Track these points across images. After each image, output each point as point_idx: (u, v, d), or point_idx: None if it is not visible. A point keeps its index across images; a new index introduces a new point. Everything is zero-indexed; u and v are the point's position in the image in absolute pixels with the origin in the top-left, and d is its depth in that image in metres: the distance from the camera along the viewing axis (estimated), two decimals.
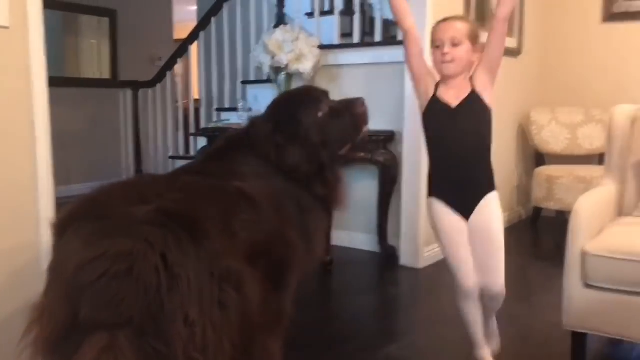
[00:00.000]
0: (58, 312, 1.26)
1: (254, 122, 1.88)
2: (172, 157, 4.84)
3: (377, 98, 3.53)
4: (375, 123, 3.52)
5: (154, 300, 1.26)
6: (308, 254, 1.79)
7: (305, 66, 3.44)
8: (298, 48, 3.42)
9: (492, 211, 1.97)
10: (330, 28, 3.89)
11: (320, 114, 1.80)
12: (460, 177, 1.96)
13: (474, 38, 1.90)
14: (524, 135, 4.54)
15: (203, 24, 4.57)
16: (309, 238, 1.77)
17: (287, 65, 3.42)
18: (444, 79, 1.95)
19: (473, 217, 1.96)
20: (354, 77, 3.64)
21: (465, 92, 1.92)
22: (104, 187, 1.44)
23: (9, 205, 1.60)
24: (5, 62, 1.56)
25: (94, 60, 6.11)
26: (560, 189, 4.00)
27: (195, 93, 5.37)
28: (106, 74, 6.13)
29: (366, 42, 3.83)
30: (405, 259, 3.36)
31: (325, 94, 1.91)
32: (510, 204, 4.42)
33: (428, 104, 1.96)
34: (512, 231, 4.26)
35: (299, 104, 1.82)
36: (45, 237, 1.60)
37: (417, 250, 3.31)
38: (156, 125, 4.97)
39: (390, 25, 4.30)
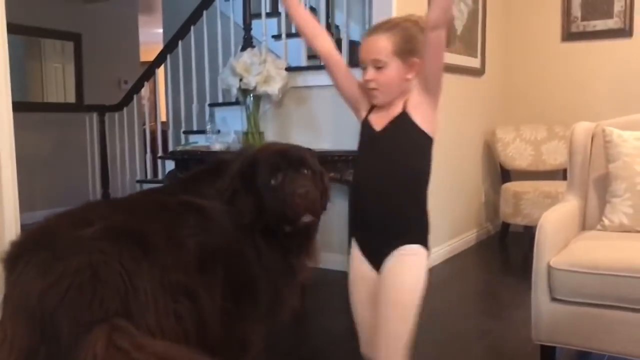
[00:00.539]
0: (21, 339, 1.26)
1: (239, 152, 1.88)
2: (139, 181, 4.79)
3: (345, 118, 3.53)
4: (344, 143, 3.57)
5: (124, 303, 1.29)
6: (275, 296, 1.76)
7: (273, 88, 3.46)
8: (266, 70, 3.44)
9: (405, 269, 1.53)
10: (298, 50, 3.93)
11: (272, 182, 1.70)
12: (376, 217, 1.56)
13: (406, 52, 1.52)
14: (489, 152, 4.63)
15: (170, 47, 4.56)
16: (270, 277, 1.73)
17: (255, 87, 3.43)
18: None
19: (383, 269, 1.56)
20: (323, 97, 3.67)
21: (394, 114, 1.56)
22: (49, 218, 1.46)
23: None
24: None
25: (58, 85, 6.03)
26: (527, 205, 4.08)
27: (162, 116, 5.34)
28: (71, 98, 6.05)
29: None
30: None
31: (295, 162, 1.74)
32: (478, 220, 4.49)
33: (360, 128, 1.64)
34: (481, 247, 4.32)
35: (262, 163, 1.74)
36: None
37: None
38: (123, 149, 4.92)
39: (356, 46, 4.37)
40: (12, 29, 1.94)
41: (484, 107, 4.51)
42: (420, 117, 1.54)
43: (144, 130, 5.11)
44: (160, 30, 6.34)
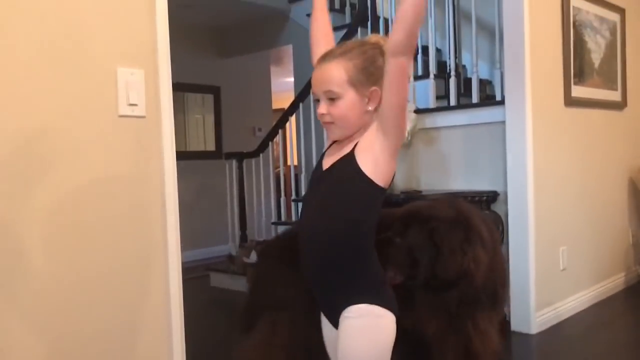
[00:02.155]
0: None
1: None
2: (274, 223, 5.00)
3: (476, 158, 3.52)
4: (477, 183, 3.52)
5: None
6: None
7: None
8: None
9: (351, 336, 1.31)
10: (425, 92, 3.97)
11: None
12: (314, 271, 1.38)
13: (364, 81, 1.32)
14: (635, 189, 4.31)
15: (301, 96, 4.79)
16: None
17: None
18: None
19: (338, 331, 1.35)
20: (451, 138, 3.66)
21: (343, 153, 1.37)
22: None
23: (143, 270, 1.75)
24: (143, 145, 1.75)
25: (199, 134, 6.54)
26: None
27: (295, 160, 5.58)
28: (211, 147, 6.53)
29: (462, 103, 3.86)
30: (516, 325, 3.23)
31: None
32: (626, 263, 4.16)
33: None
34: (631, 293, 3.99)
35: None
36: (173, 289, 1.80)
37: (529, 314, 3.18)
38: (260, 192, 5.18)
39: (485, 84, 4.32)
40: None
41: (627, 142, 4.23)
42: (371, 161, 1.32)
43: (278, 175, 5.35)
44: (289, 79, 6.69)
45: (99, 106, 1.65)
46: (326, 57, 1.36)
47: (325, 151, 1.45)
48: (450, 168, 3.66)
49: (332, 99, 1.33)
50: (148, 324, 1.76)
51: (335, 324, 1.37)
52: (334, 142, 1.43)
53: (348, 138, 1.37)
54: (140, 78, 1.72)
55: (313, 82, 1.37)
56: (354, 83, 1.32)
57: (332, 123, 1.35)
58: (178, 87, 6.42)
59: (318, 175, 1.42)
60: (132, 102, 1.70)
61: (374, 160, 1.32)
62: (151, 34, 1.76)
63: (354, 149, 1.34)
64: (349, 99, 1.32)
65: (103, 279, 1.66)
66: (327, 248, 1.34)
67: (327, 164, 1.39)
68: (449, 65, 4.02)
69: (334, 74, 1.32)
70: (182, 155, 6.06)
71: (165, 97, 1.77)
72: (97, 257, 1.64)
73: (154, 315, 1.77)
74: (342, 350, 1.31)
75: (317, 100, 1.37)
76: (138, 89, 1.71)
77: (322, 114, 1.35)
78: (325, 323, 1.44)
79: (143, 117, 1.74)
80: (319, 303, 1.42)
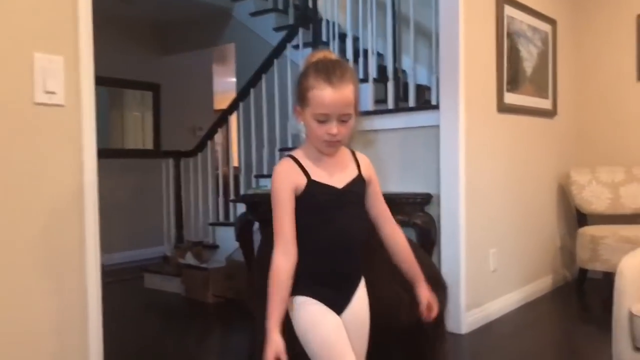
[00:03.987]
0: None
1: None
2: (211, 224, 4.91)
3: (412, 161, 3.57)
4: (412, 185, 3.56)
5: None
6: None
7: None
8: None
9: (366, 297, 1.64)
10: (365, 94, 3.99)
11: None
12: (348, 269, 1.57)
13: (358, 102, 1.48)
14: (564, 195, 4.48)
15: (242, 95, 4.74)
16: None
17: None
18: (316, 153, 1.52)
19: (351, 307, 1.57)
20: (389, 141, 3.70)
21: (350, 172, 1.55)
22: None
23: (56, 271, 1.66)
24: (59, 137, 1.67)
25: (137, 132, 6.37)
26: (606, 250, 3.89)
27: (234, 161, 5.51)
28: (149, 145, 6.37)
29: (400, 107, 3.90)
30: (447, 324, 3.28)
31: None
32: (553, 266, 4.31)
33: (305, 188, 1.50)
34: (558, 294, 4.14)
35: None
36: (91, 291, 1.71)
37: (459, 314, 3.24)
38: (197, 192, 5.09)
39: (424, 90, 4.39)
40: (96, 80, 2.09)
41: (557, 149, 4.39)
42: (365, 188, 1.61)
43: (217, 175, 5.27)
44: (233, 79, 6.61)
45: (12, 91, 1.56)
46: (342, 79, 1.42)
47: (310, 181, 1.49)
48: (387, 170, 3.69)
49: (344, 120, 1.43)
50: (61, 327, 1.67)
51: (342, 307, 1.55)
52: (305, 168, 1.50)
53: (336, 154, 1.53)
54: (59, 65, 1.65)
55: (330, 103, 1.41)
56: (355, 104, 1.45)
57: (338, 141, 1.46)
58: (116, 83, 6.30)
59: (335, 193, 1.51)
60: (49, 89, 1.62)
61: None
62: (72, 20, 1.68)
63: (359, 170, 1.56)
64: (353, 119, 1.45)
65: (10, 278, 1.57)
66: (363, 244, 1.56)
67: (338, 183, 1.52)
68: (389, 70, 4.06)
69: (351, 97, 1.43)
70: (119, 153, 6.01)
71: (86, 86, 1.70)
72: (4, 255, 1.55)
73: (69, 317, 1.69)
74: (366, 310, 1.61)
75: (322, 121, 1.43)
76: (56, 76, 1.63)
77: (335, 134, 1.43)
78: (328, 316, 1.53)
79: (62, 105, 1.66)
80: (334, 297, 1.54)
